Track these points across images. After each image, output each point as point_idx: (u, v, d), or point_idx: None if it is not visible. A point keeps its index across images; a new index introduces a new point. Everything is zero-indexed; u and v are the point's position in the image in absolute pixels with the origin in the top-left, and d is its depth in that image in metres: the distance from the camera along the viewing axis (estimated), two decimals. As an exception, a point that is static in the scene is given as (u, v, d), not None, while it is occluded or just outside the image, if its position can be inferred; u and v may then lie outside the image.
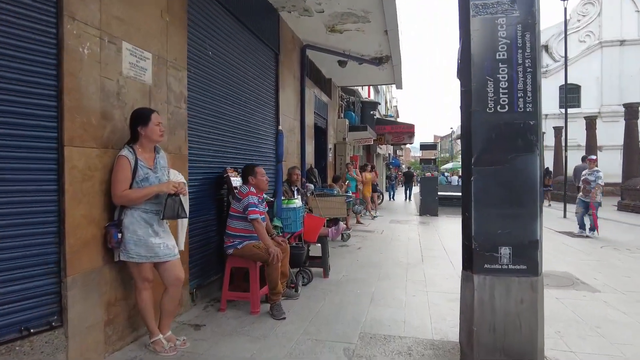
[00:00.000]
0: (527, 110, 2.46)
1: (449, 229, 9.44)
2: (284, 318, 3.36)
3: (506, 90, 2.46)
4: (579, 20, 25.58)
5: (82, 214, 2.47)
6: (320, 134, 9.49)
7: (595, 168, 8.09)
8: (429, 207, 12.31)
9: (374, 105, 13.80)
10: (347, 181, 9.22)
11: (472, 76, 2.50)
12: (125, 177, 2.58)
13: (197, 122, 3.86)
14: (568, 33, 26.94)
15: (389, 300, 3.99)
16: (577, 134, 24.03)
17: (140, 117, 2.67)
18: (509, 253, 2.46)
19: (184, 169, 3.54)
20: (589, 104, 25.47)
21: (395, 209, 14.59)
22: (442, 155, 62.24)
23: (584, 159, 18.86)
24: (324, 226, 5.07)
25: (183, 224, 3.00)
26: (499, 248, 2.47)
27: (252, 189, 3.50)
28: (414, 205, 16.74)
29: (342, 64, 8.49)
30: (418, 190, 27.55)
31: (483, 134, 2.49)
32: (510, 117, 2.47)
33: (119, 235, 2.58)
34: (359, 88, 12.77)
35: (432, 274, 5.08)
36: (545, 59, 26.06)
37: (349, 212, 7.58)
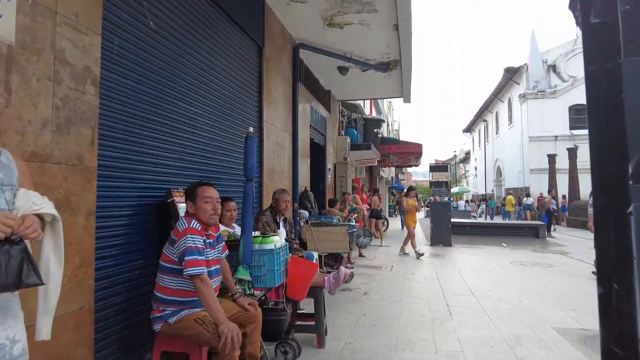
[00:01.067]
0: None
1: (469, 263, 7.99)
2: None
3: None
4: (586, 40, 24.73)
5: None
6: (318, 152, 8.21)
7: None
8: (441, 236, 10.88)
9: (378, 122, 12.57)
10: (348, 209, 7.87)
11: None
12: None
13: (120, 118, 2.54)
14: (574, 53, 26.19)
15: (417, 396, 2.55)
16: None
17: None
18: None
19: (89, 190, 2.20)
20: (601, 125, 24.20)
21: (403, 238, 13.10)
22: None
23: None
24: (319, 270, 3.67)
25: (48, 291, 1.61)
26: None
27: (195, 224, 2.15)
28: (421, 233, 15.30)
29: (342, 70, 7.29)
30: (423, 216, 25.89)
31: (648, 112, 1.15)
32: None
33: None
34: (361, 103, 11.60)
35: (470, 338, 3.64)
36: (553, 79, 25.16)
37: (352, 245, 6.18)
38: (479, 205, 26.33)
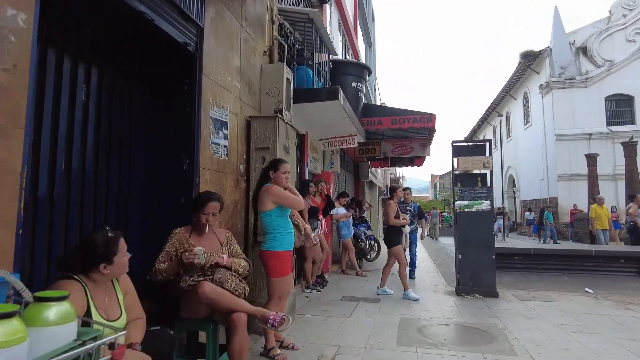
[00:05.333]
0: None
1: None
2: None
3: None
4: (624, 16, 20.13)
5: None
6: (164, 59, 2.98)
7: None
8: (479, 276, 5.66)
9: (360, 71, 7.12)
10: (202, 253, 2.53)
11: None
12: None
13: None
14: (610, 32, 21.42)
15: None
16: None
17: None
18: None
19: None
20: (647, 119, 19.41)
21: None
22: (444, 194, 55.73)
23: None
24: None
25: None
26: None
27: None
28: (430, 266, 10.06)
29: None
30: (426, 234, 20.35)
31: None
32: None
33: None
34: (329, 34, 6.35)
35: None
36: (584, 64, 20.35)
37: None
38: (494, 220, 21.14)
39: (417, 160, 11.67)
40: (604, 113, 19.90)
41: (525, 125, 24.96)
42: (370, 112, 7.60)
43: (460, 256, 5.81)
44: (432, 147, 9.65)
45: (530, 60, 21.91)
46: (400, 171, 43.74)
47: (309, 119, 5.59)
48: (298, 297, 5.30)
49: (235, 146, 3.68)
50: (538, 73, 22.12)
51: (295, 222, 3.28)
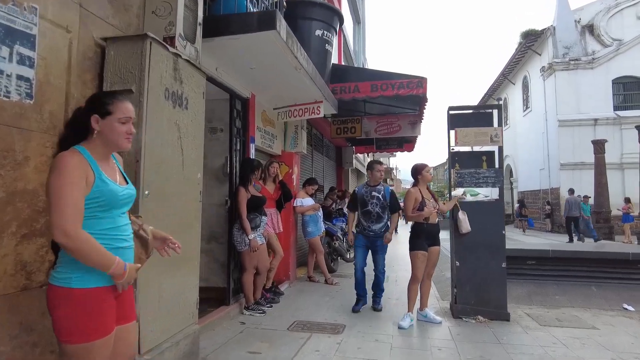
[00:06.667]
0: None
1: None
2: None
3: None
4: (635, -10, 18.49)
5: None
6: None
7: None
8: (483, 291, 4.10)
9: (329, 15, 5.39)
10: None
11: None
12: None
13: None
14: (619, 8, 19.86)
15: None
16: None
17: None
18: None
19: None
20: (656, 103, 17.92)
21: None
22: (438, 185, 54.21)
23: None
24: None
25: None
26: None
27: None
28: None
29: None
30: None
31: None
32: None
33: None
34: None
35: None
36: (590, 44, 18.74)
37: None
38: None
39: (407, 145, 10.08)
40: (611, 97, 18.36)
41: (524, 111, 23.41)
42: (344, 75, 5.96)
43: (457, 263, 4.23)
44: (424, 135, 8.09)
45: (531, 41, 20.26)
46: (394, 162, 41.98)
47: (246, 70, 3.94)
48: (229, 324, 3.71)
49: (62, 85, 2.04)
50: (540, 54, 20.52)
51: (136, 227, 1.64)
